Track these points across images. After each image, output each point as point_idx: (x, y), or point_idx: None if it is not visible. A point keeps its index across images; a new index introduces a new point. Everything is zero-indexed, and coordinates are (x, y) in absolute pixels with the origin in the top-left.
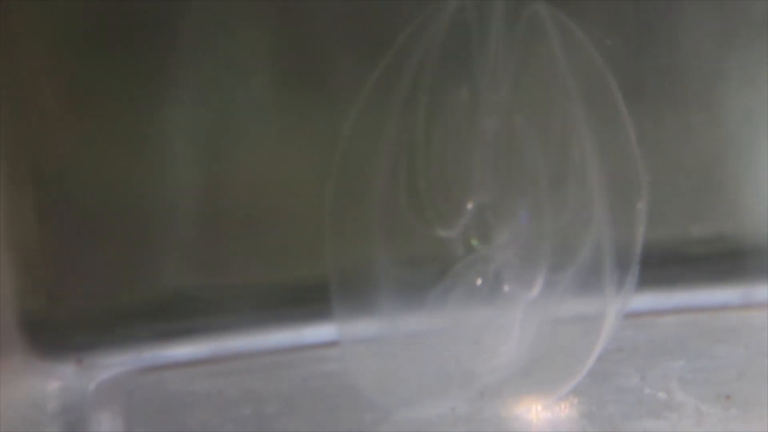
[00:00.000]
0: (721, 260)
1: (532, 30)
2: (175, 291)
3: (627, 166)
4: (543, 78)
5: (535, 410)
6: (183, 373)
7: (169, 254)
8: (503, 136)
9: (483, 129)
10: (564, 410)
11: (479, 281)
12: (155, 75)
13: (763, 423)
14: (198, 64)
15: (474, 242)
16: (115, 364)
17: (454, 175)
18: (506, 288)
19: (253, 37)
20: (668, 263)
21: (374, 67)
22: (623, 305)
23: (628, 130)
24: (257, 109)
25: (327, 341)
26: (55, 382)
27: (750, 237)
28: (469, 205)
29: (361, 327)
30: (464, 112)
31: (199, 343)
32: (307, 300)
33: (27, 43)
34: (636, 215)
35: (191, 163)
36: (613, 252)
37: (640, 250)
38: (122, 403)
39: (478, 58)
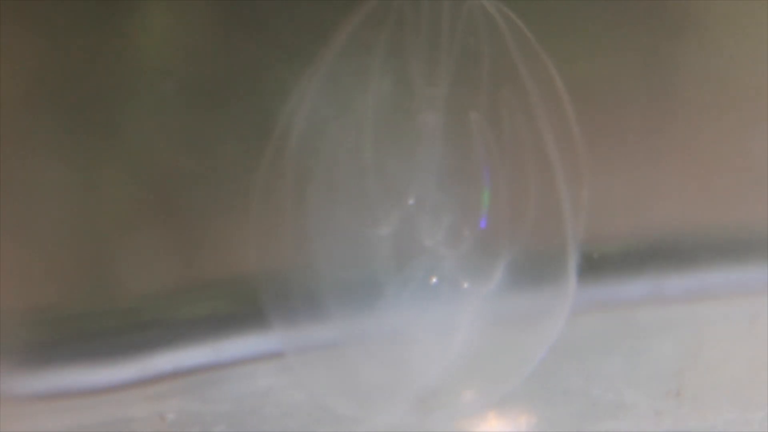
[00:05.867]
0: (629, 255)
1: (473, 23)
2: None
3: (568, 159)
4: (484, 71)
5: (488, 418)
6: (115, 397)
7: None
8: (443, 130)
9: (421, 124)
10: (518, 416)
11: (432, 279)
12: None
13: (716, 416)
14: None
15: (423, 239)
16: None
17: (394, 171)
18: (463, 285)
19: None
20: (582, 261)
21: (309, 63)
22: (570, 302)
23: (572, 124)
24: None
25: (251, 356)
26: None
27: (658, 232)
28: (411, 201)
29: (299, 334)
30: (403, 106)
31: (126, 364)
32: (226, 308)
33: None
34: (578, 207)
35: None
36: (561, 245)
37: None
38: None
39: (417, 51)
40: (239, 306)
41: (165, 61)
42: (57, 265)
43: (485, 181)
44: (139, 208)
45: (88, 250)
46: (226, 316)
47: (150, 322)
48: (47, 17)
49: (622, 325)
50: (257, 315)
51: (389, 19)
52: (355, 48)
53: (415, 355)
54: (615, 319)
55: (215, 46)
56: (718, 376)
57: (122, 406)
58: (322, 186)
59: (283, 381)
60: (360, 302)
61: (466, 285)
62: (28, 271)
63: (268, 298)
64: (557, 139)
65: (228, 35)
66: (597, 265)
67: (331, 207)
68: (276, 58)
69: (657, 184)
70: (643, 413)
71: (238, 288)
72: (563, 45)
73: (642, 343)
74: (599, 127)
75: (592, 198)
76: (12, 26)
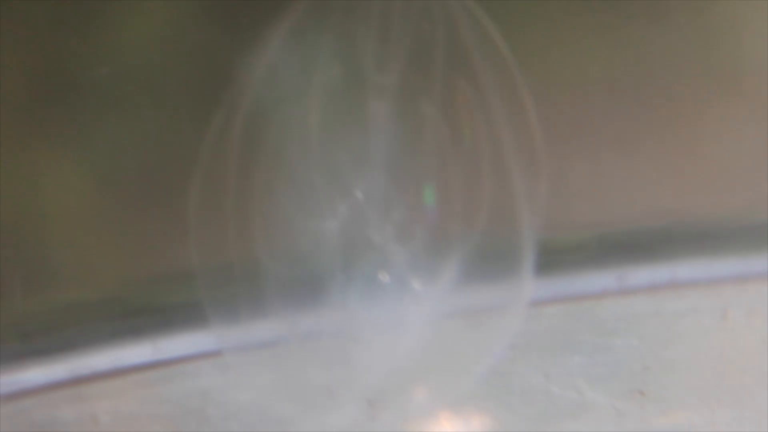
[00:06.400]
0: (595, 246)
1: (427, 9)
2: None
3: (527, 154)
4: (437, 60)
5: (440, 419)
6: (45, 398)
7: None
8: (394, 121)
9: (371, 113)
10: (474, 417)
11: (381, 276)
12: None
13: (680, 416)
14: None
15: (371, 235)
16: None
17: (341, 162)
18: (413, 283)
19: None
20: (542, 252)
21: (253, 51)
22: (526, 296)
23: (531, 116)
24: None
25: (193, 354)
26: None
27: (624, 222)
28: (359, 194)
29: (242, 332)
30: (352, 95)
31: (55, 363)
32: (162, 309)
33: None
34: (535, 202)
35: None
36: (518, 238)
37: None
38: None
39: (367, 37)
40: (180, 301)
41: (107, 53)
42: None
43: (437, 174)
44: (82, 202)
45: (25, 244)
46: (165, 311)
47: (84, 318)
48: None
49: (584, 320)
50: (199, 310)
51: (340, 4)
52: (304, 33)
53: (361, 354)
54: (577, 313)
55: (156, 32)
56: (684, 374)
57: (51, 408)
58: (265, 176)
59: (226, 380)
60: (304, 299)
61: (416, 283)
62: None
63: (208, 294)
64: (514, 131)
65: (182, 23)
66: (558, 256)
67: (274, 198)
68: (224, 44)
69: (622, 174)
70: (604, 413)
71: (179, 282)
72: (527, 32)
73: (605, 338)
74: (560, 117)
75: (553, 187)
76: None
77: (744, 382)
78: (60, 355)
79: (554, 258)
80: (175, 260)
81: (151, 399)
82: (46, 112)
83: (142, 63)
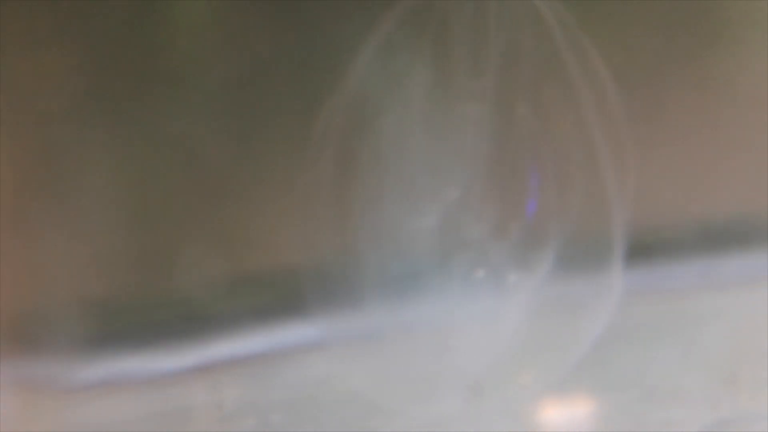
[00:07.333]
0: (688, 237)
1: (520, 17)
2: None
3: (614, 148)
4: (529, 63)
5: (545, 406)
6: (176, 384)
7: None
8: (488, 122)
9: (466, 115)
10: (574, 405)
11: (477, 272)
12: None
13: None
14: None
15: (467, 231)
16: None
17: (439, 162)
18: (509, 277)
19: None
20: (636, 243)
21: (354, 55)
22: (618, 287)
23: (619, 116)
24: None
25: (304, 344)
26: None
27: (716, 213)
28: (455, 192)
29: (348, 325)
30: (448, 98)
31: (184, 352)
32: (276, 299)
33: None
34: (623, 196)
35: None
36: (607, 233)
37: (624, 230)
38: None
39: (462, 43)
40: (294, 295)
41: (209, 55)
42: (110, 259)
43: (530, 172)
44: (188, 200)
45: (139, 243)
46: (281, 306)
47: (203, 313)
48: (89, 10)
49: (676, 312)
50: (305, 302)
51: (434, 12)
52: (400, 40)
53: (462, 347)
54: (670, 305)
55: (258, 39)
56: None
57: (180, 396)
58: (366, 177)
59: (338, 370)
60: (405, 294)
61: (511, 277)
62: (81, 265)
63: (314, 289)
64: (602, 129)
65: (271, 28)
66: (650, 250)
67: (375, 197)
68: (321, 50)
69: (708, 168)
70: (698, 400)
71: (291, 278)
72: (610, 34)
73: (698, 328)
74: (647, 113)
75: (642, 184)
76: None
77: None
78: (188, 344)
79: (648, 250)
80: (283, 254)
81: (268, 387)
82: (130, 113)
83: (228, 61)
